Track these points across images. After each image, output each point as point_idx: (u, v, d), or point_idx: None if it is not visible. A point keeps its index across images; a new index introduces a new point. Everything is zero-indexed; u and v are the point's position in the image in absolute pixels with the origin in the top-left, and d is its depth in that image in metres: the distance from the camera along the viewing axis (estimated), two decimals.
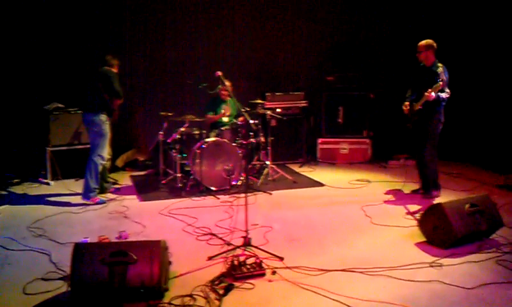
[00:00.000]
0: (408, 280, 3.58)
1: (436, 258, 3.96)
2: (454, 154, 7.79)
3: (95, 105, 5.76)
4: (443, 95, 5.47)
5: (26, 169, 7.12)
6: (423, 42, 5.63)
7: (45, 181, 6.93)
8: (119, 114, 6.14)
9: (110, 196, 6.18)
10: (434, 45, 5.61)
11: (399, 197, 6.00)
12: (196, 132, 6.69)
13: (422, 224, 4.48)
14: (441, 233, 4.19)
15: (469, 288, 3.43)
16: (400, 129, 8.26)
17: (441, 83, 5.31)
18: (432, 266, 3.83)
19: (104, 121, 5.80)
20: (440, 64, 5.54)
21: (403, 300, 3.24)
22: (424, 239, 4.40)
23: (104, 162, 5.96)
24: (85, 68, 5.91)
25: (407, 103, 5.85)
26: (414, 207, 5.48)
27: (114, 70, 5.97)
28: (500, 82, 6.23)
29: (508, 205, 5.41)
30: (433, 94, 5.33)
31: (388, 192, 6.22)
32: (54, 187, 6.77)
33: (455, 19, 7.96)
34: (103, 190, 6.15)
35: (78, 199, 5.85)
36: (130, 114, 8.04)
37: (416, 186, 6.17)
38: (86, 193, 5.79)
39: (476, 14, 7.72)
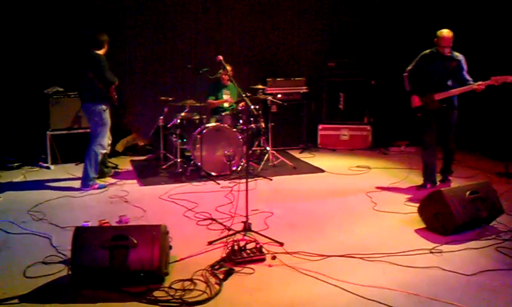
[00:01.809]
0: (408, 266, 3.58)
1: (436, 245, 3.97)
2: (455, 141, 7.77)
3: (93, 95, 5.67)
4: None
5: (26, 153, 7.11)
6: (450, 33, 5.29)
7: (45, 165, 6.93)
8: (117, 97, 5.99)
9: (110, 180, 6.18)
10: None
11: (399, 183, 5.99)
12: (197, 117, 6.64)
13: (422, 210, 4.48)
14: (442, 220, 4.20)
15: (469, 275, 3.44)
16: (401, 116, 8.28)
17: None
18: (432, 252, 3.84)
19: (104, 110, 5.75)
20: (456, 53, 5.39)
21: (402, 286, 3.25)
22: (423, 226, 4.41)
23: (104, 151, 5.94)
24: (85, 52, 5.87)
25: (416, 96, 5.56)
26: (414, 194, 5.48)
27: (103, 52, 5.77)
28: (500, 68, 6.15)
29: (508, 193, 5.41)
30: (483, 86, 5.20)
31: (388, 179, 6.20)
32: (54, 171, 6.77)
33: (452, 6, 7.90)
34: (103, 175, 6.14)
35: (78, 184, 5.83)
36: (130, 98, 8.01)
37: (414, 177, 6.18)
38: (85, 182, 5.76)
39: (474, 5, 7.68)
